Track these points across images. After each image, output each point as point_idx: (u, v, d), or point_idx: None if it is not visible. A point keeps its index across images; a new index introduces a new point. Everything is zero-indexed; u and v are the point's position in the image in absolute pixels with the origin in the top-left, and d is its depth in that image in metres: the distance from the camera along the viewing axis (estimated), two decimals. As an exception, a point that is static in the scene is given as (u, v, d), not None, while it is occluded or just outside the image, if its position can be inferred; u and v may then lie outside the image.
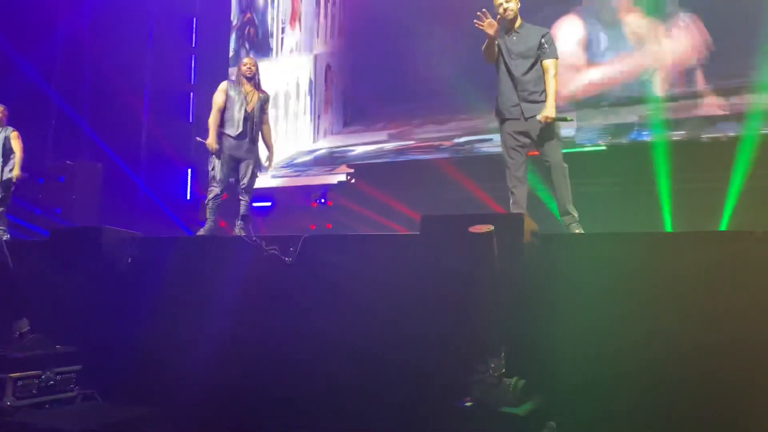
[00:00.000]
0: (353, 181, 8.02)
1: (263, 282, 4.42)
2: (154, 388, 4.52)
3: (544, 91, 4.40)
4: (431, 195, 6.97)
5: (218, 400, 4.34)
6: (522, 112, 4.41)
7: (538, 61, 4.44)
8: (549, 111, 4.31)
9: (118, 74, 8.46)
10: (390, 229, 6.75)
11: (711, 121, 6.45)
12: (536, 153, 4.51)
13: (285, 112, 8.94)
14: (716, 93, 6.53)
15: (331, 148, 8.58)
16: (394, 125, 8.18)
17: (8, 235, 6.05)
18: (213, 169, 5.60)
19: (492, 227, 3.42)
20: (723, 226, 5.20)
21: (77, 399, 4.56)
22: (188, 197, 9.24)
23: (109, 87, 8.43)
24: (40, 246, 5.17)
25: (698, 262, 3.41)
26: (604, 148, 6.75)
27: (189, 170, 9.31)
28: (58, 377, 4.48)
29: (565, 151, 4.51)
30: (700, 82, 6.61)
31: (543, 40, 4.43)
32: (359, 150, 8.32)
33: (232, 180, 5.66)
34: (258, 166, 5.77)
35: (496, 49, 4.45)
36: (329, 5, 8.80)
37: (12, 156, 6.15)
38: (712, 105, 6.53)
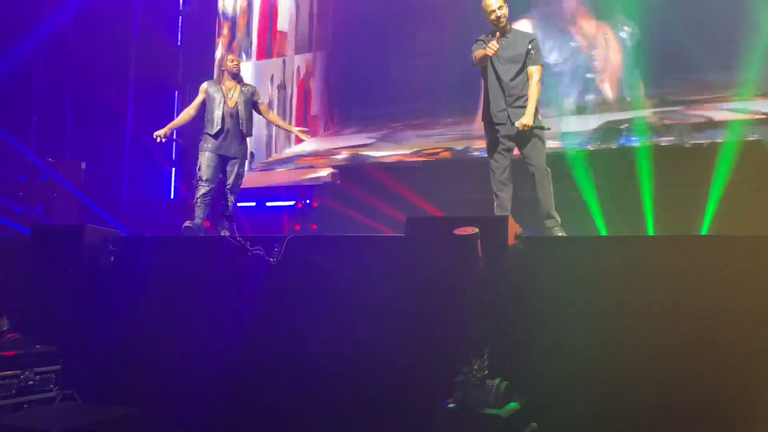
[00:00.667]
0: (338, 182, 8.01)
1: (247, 282, 4.40)
2: (135, 388, 4.47)
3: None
4: (416, 197, 6.99)
5: (200, 400, 4.31)
6: (509, 117, 4.45)
7: (525, 66, 4.48)
8: (527, 119, 4.35)
9: (102, 71, 8.39)
10: (375, 230, 6.75)
11: (691, 127, 6.53)
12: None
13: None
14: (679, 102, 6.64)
15: (316, 150, 8.56)
16: (379, 128, 8.19)
17: None
18: (199, 169, 5.58)
19: (476, 229, 3.44)
20: (704, 231, 5.27)
21: (57, 399, 4.50)
22: (172, 196, 9.17)
23: (92, 84, 8.35)
24: (21, 244, 5.11)
25: (679, 265, 3.45)
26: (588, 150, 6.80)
27: (173, 169, 9.24)
28: (38, 377, 4.42)
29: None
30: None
31: (530, 46, 4.48)
32: (344, 153, 8.31)
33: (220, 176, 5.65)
34: (245, 165, 5.76)
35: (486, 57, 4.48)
36: (312, 8, 8.78)
37: None
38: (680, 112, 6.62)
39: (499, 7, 4.45)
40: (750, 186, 5.71)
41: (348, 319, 4.05)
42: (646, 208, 5.74)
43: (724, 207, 5.43)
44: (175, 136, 5.91)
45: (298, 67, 8.85)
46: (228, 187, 5.61)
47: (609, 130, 6.84)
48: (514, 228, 3.73)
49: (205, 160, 5.55)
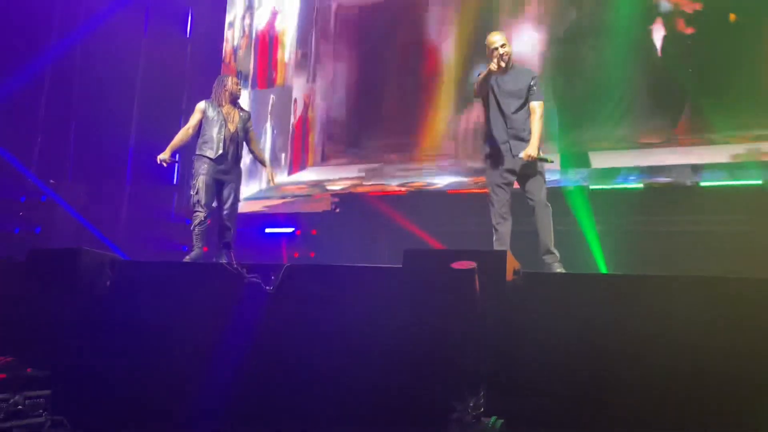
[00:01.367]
0: (338, 210, 8.02)
1: (243, 310, 4.37)
2: (127, 416, 4.41)
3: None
4: (415, 227, 6.99)
5: (195, 429, 4.25)
6: (510, 149, 4.47)
7: (527, 101, 4.52)
8: (532, 150, 4.37)
9: (108, 95, 8.45)
10: (373, 260, 6.73)
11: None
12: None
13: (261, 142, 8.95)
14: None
15: (314, 179, 8.58)
16: (379, 158, 8.21)
17: None
18: (197, 193, 5.44)
19: (474, 264, 3.43)
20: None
21: (46, 425, 4.42)
22: (172, 221, 9.17)
23: (97, 107, 8.41)
24: (17, 266, 5.08)
25: (678, 304, 3.43)
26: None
27: (175, 194, 9.26)
28: (27, 402, 4.36)
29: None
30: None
31: (532, 82, 4.52)
32: (342, 183, 8.33)
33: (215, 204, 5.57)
34: (240, 189, 5.72)
35: (488, 86, 4.52)
36: (310, 37, 8.89)
37: None
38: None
39: (502, 45, 4.47)
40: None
41: (344, 350, 4.00)
42: (645, 246, 5.74)
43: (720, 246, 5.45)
44: (177, 159, 5.81)
45: (296, 99, 8.92)
46: (226, 212, 5.54)
47: (609, 169, 6.86)
48: (512, 263, 3.72)
49: (203, 185, 5.42)
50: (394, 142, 8.04)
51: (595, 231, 5.94)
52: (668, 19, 6.70)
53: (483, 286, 3.43)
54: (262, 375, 4.21)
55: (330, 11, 8.77)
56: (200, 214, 5.42)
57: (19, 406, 4.29)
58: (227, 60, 9.35)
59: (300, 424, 3.97)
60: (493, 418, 3.23)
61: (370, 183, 8.07)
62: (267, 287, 4.28)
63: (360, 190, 8.03)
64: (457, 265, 3.44)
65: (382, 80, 8.16)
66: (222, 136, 5.47)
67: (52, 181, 7.86)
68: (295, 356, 4.15)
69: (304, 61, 8.91)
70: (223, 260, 5.33)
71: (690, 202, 6.22)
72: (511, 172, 4.48)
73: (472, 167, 7.41)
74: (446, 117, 7.68)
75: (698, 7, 6.58)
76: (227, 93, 5.61)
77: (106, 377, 4.54)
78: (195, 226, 5.44)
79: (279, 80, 9.08)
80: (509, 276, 3.63)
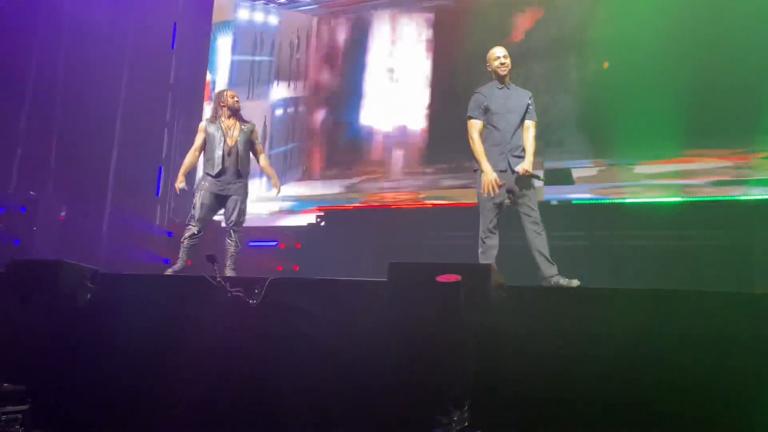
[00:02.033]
0: (323, 224, 8.00)
1: (226, 324, 4.33)
2: (108, 430, 4.34)
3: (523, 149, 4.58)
4: (400, 242, 6.99)
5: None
6: (509, 164, 4.53)
7: (522, 119, 4.62)
8: (527, 165, 4.50)
9: (91, 106, 8.39)
10: (358, 273, 6.71)
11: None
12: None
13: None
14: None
15: (300, 193, 8.57)
16: (364, 173, 8.23)
17: None
18: (193, 207, 5.51)
19: (460, 277, 3.44)
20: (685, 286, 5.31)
21: (23, 441, 4.35)
22: (154, 233, 9.08)
23: (80, 119, 8.34)
24: (-5, 278, 5.00)
25: (658, 318, 3.46)
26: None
27: (157, 206, 9.18)
28: (3, 417, 4.27)
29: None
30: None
31: (530, 101, 4.65)
32: (327, 197, 8.33)
33: (219, 217, 5.64)
34: (246, 202, 5.67)
35: (483, 110, 4.60)
36: (300, 49, 8.92)
37: None
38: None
39: (504, 56, 4.64)
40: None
41: (327, 364, 3.98)
42: (632, 261, 5.80)
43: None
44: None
45: (283, 109, 8.93)
46: (231, 224, 5.50)
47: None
48: (497, 277, 3.73)
49: (200, 200, 5.47)
50: (380, 157, 8.07)
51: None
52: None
53: (468, 300, 3.44)
54: (245, 389, 4.17)
55: (314, 22, 8.82)
56: (191, 228, 5.48)
57: (-4, 422, 4.21)
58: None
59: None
60: (477, 432, 3.22)
61: (357, 196, 8.08)
62: (250, 301, 4.25)
63: (348, 202, 8.04)
64: (442, 278, 3.45)
65: (370, 92, 8.18)
66: (221, 152, 5.48)
67: (32, 192, 7.77)
68: (278, 370, 4.11)
69: (290, 72, 8.92)
70: (232, 273, 5.30)
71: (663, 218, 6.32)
72: (505, 186, 4.52)
73: (458, 181, 7.46)
74: (433, 129, 7.71)
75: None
76: (225, 108, 5.62)
77: (85, 391, 4.47)
78: (185, 238, 5.49)
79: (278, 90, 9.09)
80: (494, 289, 3.64)
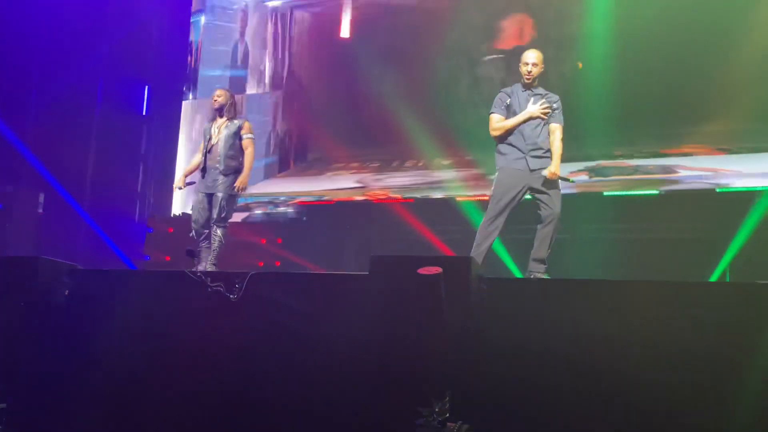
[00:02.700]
0: (304, 219, 7.98)
1: (206, 319, 4.31)
2: (87, 428, 4.30)
3: (549, 150, 4.56)
4: (381, 236, 7.01)
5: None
6: (527, 165, 4.51)
7: (547, 122, 4.61)
8: (556, 168, 4.49)
9: (67, 102, 8.27)
10: (339, 268, 6.72)
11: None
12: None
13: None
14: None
15: (281, 190, 8.53)
16: (346, 168, 8.22)
17: None
18: (192, 209, 5.60)
19: (440, 269, 3.45)
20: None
21: (-1, 439, 4.30)
22: (133, 229, 9.00)
23: (56, 114, 8.22)
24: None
25: (638, 309, 3.51)
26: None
27: (136, 201, 9.09)
28: (-20, 416, 4.22)
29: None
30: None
31: (555, 105, 4.63)
32: (308, 191, 8.31)
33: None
34: (233, 199, 5.61)
35: (505, 107, 4.63)
36: (279, 46, 8.87)
37: None
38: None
39: (533, 64, 4.61)
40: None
41: (309, 357, 3.99)
42: (610, 252, 5.87)
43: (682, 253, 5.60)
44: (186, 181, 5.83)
45: (265, 107, 8.89)
46: (212, 221, 5.50)
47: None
48: (477, 269, 3.75)
49: (194, 202, 5.59)
50: (364, 152, 8.06)
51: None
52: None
53: (448, 291, 3.45)
54: (226, 383, 4.15)
55: (294, 20, 8.78)
56: (193, 230, 5.50)
57: (-28, 421, 4.16)
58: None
59: (264, 426, 3.93)
60: (458, 423, 3.24)
61: (340, 190, 8.07)
62: (231, 295, 4.23)
63: (330, 197, 8.03)
64: (423, 270, 3.46)
65: (353, 89, 8.15)
66: (204, 151, 5.53)
67: (9, 188, 7.65)
68: (259, 364, 4.10)
69: (272, 70, 8.87)
70: (213, 268, 5.26)
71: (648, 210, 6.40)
72: (523, 186, 4.51)
73: (442, 176, 7.51)
74: (421, 126, 7.72)
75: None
76: (212, 108, 5.71)
77: (63, 388, 4.42)
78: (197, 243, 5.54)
79: (249, 87, 9.03)
80: (474, 281, 3.67)
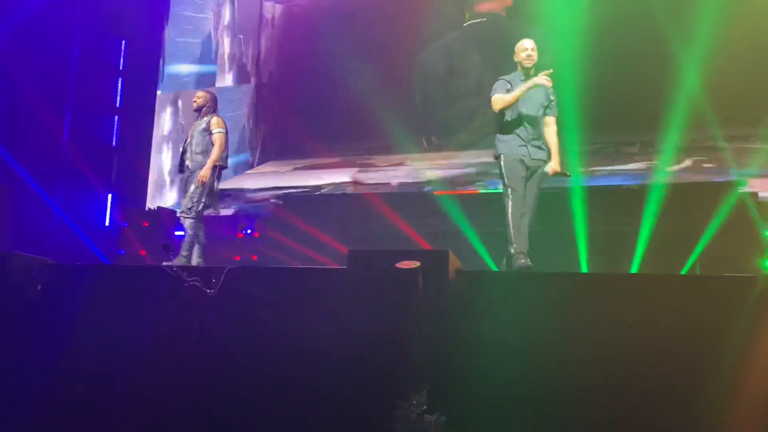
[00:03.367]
0: (281, 212, 7.93)
1: (183, 314, 4.28)
2: (63, 426, 4.25)
3: (544, 141, 4.61)
4: (359, 229, 7.00)
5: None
6: (528, 153, 4.56)
7: (543, 113, 4.66)
8: (556, 165, 4.56)
9: (38, 92, 8.09)
10: (317, 262, 6.70)
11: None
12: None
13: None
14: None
15: (258, 185, 8.49)
16: (323, 161, 8.20)
17: None
18: None
19: (419, 263, 3.48)
20: (634, 269, 5.48)
21: (-30, 436, 4.22)
22: (107, 224, 8.87)
23: (26, 104, 8.04)
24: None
25: (611, 301, 3.58)
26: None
27: (109, 195, 8.95)
28: (-49, 414, 4.15)
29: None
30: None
31: (552, 97, 4.67)
32: (287, 183, 8.27)
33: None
34: (198, 192, 5.57)
35: (506, 92, 4.58)
36: (261, 37, 8.80)
37: None
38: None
39: (532, 49, 4.63)
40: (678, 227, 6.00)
41: (286, 352, 3.98)
42: (580, 246, 5.93)
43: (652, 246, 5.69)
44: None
45: (244, 99, 8.82)
46: (181, 213, 5.53)
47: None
48: (455, 263, 3.79)
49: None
50: (345, 145, 8.04)
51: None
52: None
53: (426, 285, 3.48)
54: (202, 378, 4.13)
55: (278, 11, 8.72)
56: None
57: (-59, 418, 4.08)
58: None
59: (242, 426, 3.92)
60: (436, 415, 3.27)
61: (318, 183, 8.05)
62: (208, 290, 4.21)
63: (308, 190, 8.01)
64: (401, 264, 3.48)
65: (334, 80, 8.12)
66: (181, 152, 5.67)
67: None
68: (237, 359, 4.09)
69: (251, 60, 8.80)
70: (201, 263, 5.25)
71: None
72: (525, 171, 4.55)
73: (420, 169, 7.54)
74: (400, 117, 7.71)
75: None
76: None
77: (36, 384, 4.35)
78: None
79: (228, 79, 8.95)
80: (452, 275, 3.70)
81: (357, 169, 8.04)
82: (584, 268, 5.63)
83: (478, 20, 7.65)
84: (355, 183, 7.98)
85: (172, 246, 5.52)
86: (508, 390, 3.54)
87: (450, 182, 7.42)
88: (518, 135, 4.59)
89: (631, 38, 6.78)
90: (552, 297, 3.69)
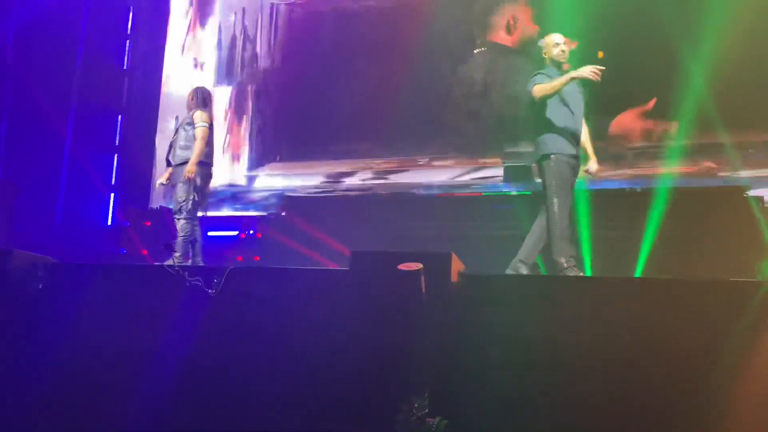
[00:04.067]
0: (284, 213, 7.93)
1: (185, 314, 4.26)
2: (63, 427, 4.23)
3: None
4: (362, 231, 6.98)
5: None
6: (578, 153, 4.39)
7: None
8: (596, 164, 4.52)
9: (43, 92, 8.09)
10: (319, 263, 6.69)
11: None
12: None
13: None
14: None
15: (260, 185, 8.47)
16: (326, 163, 8.18)
17: None
18: None
19: (421, 265, 3.45)
20: (638, 273, 5.45)
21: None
22: (109, 223, 8.87)
23: (31, 104, 8.04)
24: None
25: (616, 305, 3.55)
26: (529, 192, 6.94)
27: (112, 195, 8.95)
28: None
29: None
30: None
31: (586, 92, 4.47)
32: (290, 184, 8.26)
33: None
34: (185, 190, 5.53)
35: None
36: (253, 39, 8.79)
37: None
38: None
39: (565, 43, 4.42)
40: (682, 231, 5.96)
41: (288, 353, 3.96)
42: (584, 249, 5.90)
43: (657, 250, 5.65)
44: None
45: (244, 100, 8.81)
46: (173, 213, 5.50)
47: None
48: (457, 265, 3.76)
49: None
50: (345, 147, 8.02)
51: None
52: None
53: (429, 288, 3.46)
54: (203, 379, 4.12)
55: (281, 12, 8.70)
56: None
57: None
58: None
59: (243, 427, 3.90)
60: (437, 419, 3.25)
61: (319, 184, 8.03)
62: (209, 290, 4.19)
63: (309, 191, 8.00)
64: (403, 266, 3.46)
65: (335, 83, 8.09)
66: (169, 148, 5.70)
67: (-18, 180, 7.47)
68: (238, 360, 4.07)
69: (252, 61, 8.79)
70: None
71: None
72: (575, 171, 4.38)
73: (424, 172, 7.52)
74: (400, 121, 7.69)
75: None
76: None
77: (37, 384, 4.34)
78: None
79: (225, 79, 8.94)
80: (454, 277, 3.68)
81: (360, 170, 8.01)
82: (588, 272, 5.61)
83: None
84: (359, 184, 7.95)
85: (174, 245, 5.50)
86: (510, 394, 3.52)
87: (452, 185, 7.39)
88: (567, 132, 4.30)
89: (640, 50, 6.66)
90: (556, 301, 3.67)
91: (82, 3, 8.58)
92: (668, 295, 3.59)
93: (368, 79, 7.83)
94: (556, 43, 4.42)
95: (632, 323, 3.49)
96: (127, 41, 9.12)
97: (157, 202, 8.58)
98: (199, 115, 5.56)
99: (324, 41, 8.29)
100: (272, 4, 8.74)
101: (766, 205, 5.85)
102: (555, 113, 4.34)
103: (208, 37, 9.10)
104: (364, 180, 7.93)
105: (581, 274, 4.19)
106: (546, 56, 4.47)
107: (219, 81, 8.93)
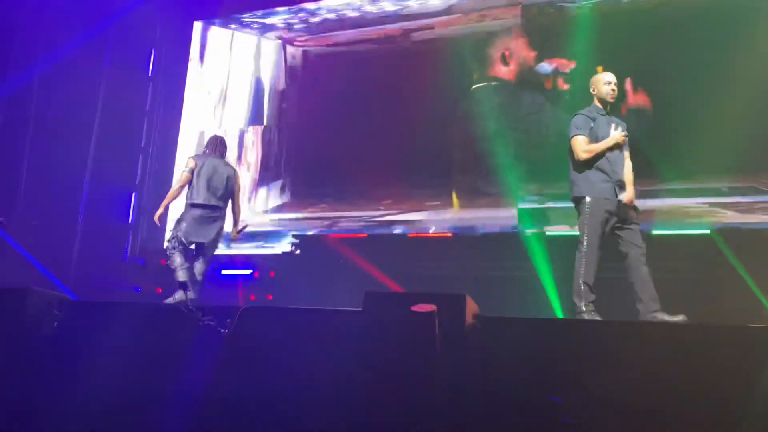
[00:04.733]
0: (298, 252, 7.95)
1: (197, 354, 4.25)
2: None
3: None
4: (375, 270, 6.97)
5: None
6: (615, 192, 4.26)
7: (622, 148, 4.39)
8: (632, 195, 4.27)
9: (65, 131, 8.28)
10: (333, 303, 6.67)
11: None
12: None
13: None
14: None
15: (274, 222, 8.53)
16: (339, 203, 8.22)
17: None
18: None
19: (434, 307, 3.44)
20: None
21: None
22: (126, 259, 8.93)
23: (52, 144, 8.22)
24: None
25: (637, 350, 3.50)
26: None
27: (129, 231, 9.04)
28: (-38, 450, 4.12)
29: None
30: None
31: (626, 133, 4.38)
32: (303, 224, 8.30)
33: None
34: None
35: (590, 130, 4.31)
36: (281, 78, 8.96)
37: None
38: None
39: (615, 83, 4.37)
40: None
41: (301, 394, 3.93)
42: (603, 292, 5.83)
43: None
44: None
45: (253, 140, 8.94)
46: None
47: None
48: (472, 307, 3.74)
49: None
50: (359, 187, 8.06)
51: (551, 276, 6.00)
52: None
53: (442, 330, 3.43)
54: (216, 421, 4.08)
55: (300, 53, 8.88)
56: None
57: (-48, 456, 4.05)
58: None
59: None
60: (450, 464, 3.19)
61: (329, 225, 8.07)
62: (222, 330, 4.19)
63: (322, 233, 8.02)
64: (417, 308, 3.45)
65: (353, 125, 8.19)
66: None
67: (1, 218, 7.59)
68: (251, 401, 4.04)
69: (272, 101, 8.94)
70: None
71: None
72: (613, 214, 4.22)
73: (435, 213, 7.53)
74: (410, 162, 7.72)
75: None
76: None
77: (52, 423, 4.32)
78: None
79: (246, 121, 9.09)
80: (469, 320, 3.65)
81: (372, 210, 8.03)
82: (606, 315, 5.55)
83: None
84: (371, 224, 7.96)
85: (188, 284, 5.52)
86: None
87: (467, 226, 7.36)
88: (605, 172, 4.24)
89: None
90: (569, 344, 3.62)
91: (105, 44, 8.82)
92: (688, 339, 3.52)
93: (379, 121, 7.92)
94: (608, 81, 4.35)
95: (655, 368, 3.42)
96: (150, 84, 9.32)
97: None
98: (184, 161, 5.95)
99: (334, 83, 8.42)
100: (283, 44, 8.92)
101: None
102: (591, 159, 4.30)
103: (223, 77, 9.28)
104: (375, 219, 7.94)
105: (598, 318, 4.10)
106: (594, 93, 4.43)
107: (236, 122, 9.09)
